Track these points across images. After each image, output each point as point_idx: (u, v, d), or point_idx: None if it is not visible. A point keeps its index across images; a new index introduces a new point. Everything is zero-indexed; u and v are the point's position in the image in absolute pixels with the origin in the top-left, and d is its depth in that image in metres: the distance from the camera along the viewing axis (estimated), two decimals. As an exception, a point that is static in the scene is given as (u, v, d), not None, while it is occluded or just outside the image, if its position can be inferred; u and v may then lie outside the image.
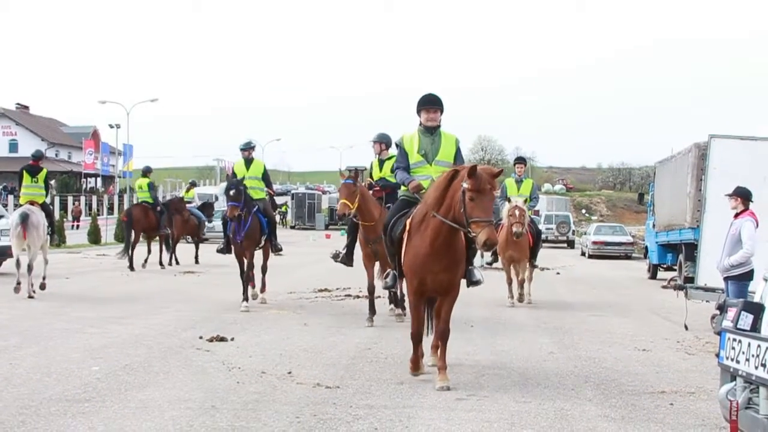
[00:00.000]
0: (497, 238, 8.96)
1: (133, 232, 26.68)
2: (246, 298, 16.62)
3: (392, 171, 10.86)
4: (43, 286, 18.39)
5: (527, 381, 10.05)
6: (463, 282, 10.22)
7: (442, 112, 10.61)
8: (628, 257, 42.75)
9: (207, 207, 34.02)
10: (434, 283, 9.69)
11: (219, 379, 9.78)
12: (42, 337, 12.48)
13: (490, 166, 9.60)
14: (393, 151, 14.96)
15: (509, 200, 18.18)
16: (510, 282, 18.93)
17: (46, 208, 19.28)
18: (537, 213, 73.70)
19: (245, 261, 16.90)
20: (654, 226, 28.97)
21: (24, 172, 18.90)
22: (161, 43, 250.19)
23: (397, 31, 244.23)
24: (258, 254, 17.55)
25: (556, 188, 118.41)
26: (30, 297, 17.64)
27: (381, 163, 15.65)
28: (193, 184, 42.34)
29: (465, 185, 8.94)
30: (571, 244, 53.90)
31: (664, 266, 28.67)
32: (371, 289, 14.89)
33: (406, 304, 15.06)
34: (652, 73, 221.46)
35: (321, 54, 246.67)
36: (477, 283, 10.39)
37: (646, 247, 32.06)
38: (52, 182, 22.59)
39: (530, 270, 19.29)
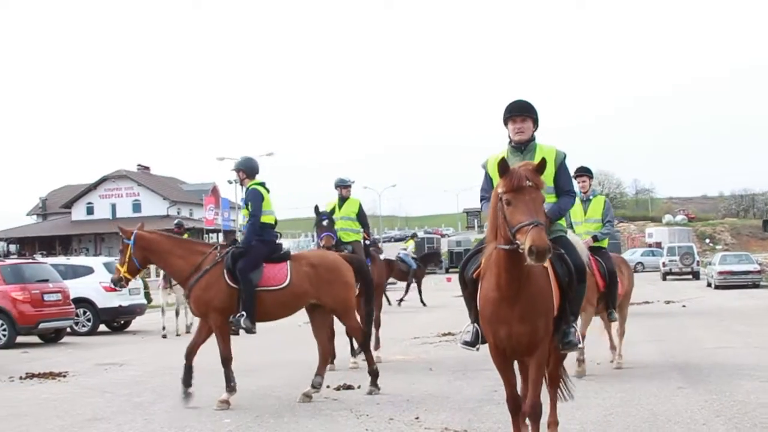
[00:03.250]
0: (546, 241, 6.72)
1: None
2: (332, 358, 14.66)
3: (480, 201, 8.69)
4: (189, 330, 22.92)
5: (656, 418, 9.92)
6: None
7: (535, 122, 8.42)
8: (756, 286, 41.69)
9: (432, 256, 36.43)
10: (510, 339, 7.47)
11: (348, 427, 9.94)
12: (174, 391, 12.73)
13: (530, 161, 7.65)
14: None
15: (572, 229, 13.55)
16: None
17: None
18: (659, 246, 72.35)
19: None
20: (781, 252, 28.27)
21: None
22: (275, 97, 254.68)
23: (509, 78, 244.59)
24: None
25: (678, 219, 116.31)
26: (178, 335, 22.73)
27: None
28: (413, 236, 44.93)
29: (500, 190, 7.15)
30: (696, 276, 52.80)
31: (794, 293, 27.87)
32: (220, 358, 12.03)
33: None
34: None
35: (436, 99, 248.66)
36: (570, 345, 8.08)
37: (775, 275, 31.27)
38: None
39: (621, 323, 14.43)
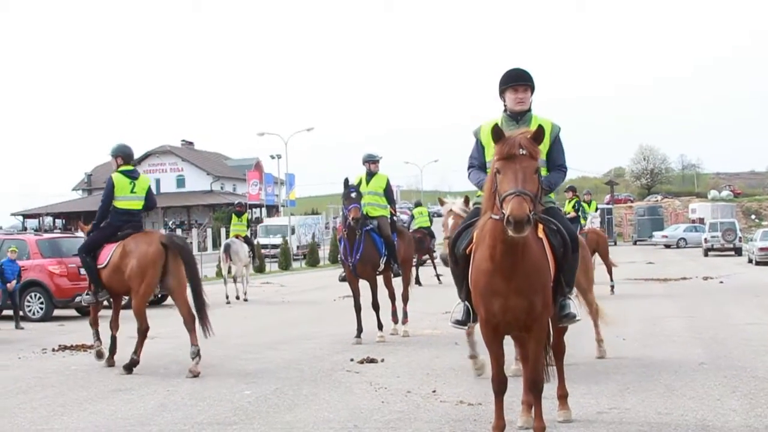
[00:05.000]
0: (525, 212, 6.32)
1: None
2: (359, 332, 15.24)
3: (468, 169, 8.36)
4: (246, 299, 25.74)
5: (672, 393, 9.93)
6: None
7: (533, 91, 8.17)
8: (798, 262, 41.13)
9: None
10: (505, 313, 7.15)
11: (365, 399, 10.04)
12: (201, 364, 12.93)
13: (528, 129, 7.21)
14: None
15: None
16: None
17: (248, 240, 27.19)
18: (702, 221, 71.57)
19: (368, 289, 15.54)
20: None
21: (233, 215, 27.66)
22: (316, 72, 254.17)
23: (547, 50, 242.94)
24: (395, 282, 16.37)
25: (723, 194, 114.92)
26: (244, 300, 25.65)
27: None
28: None
29: (494, 157, 6.87)
30: (738, 252, 52.26)
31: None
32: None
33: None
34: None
35: (476, 73, 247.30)
36: (568, 318, 7.94)
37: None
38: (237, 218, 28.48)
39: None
